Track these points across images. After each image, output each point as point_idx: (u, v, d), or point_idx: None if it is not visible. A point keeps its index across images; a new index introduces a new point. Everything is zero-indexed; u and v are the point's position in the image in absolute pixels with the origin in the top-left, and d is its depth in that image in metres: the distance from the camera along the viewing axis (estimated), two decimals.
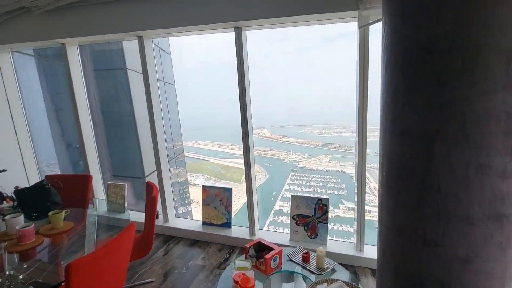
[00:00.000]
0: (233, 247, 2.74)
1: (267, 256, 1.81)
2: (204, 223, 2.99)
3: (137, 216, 3.18)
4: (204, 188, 3.00)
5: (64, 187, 2.27)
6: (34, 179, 3.78)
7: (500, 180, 1.05)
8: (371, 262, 2.39)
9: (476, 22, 0.99)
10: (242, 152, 2.47)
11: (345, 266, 1.87)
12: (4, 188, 3.35)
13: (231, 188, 2.93)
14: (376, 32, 2.11)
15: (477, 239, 1.09)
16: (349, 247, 2.57)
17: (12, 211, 1.89)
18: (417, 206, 1.26)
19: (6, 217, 1.56)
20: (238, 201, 6.46)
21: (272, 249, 2.00)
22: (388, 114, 1.41)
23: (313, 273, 1.79)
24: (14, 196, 1.89)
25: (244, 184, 2.75)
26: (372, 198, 5.20)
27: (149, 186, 2.02)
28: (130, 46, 4.88)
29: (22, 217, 1.59)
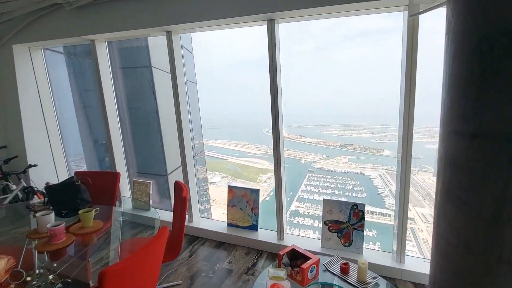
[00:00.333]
0: (260, 252, 2.62)
1: (305, 266, 1.67)
2: (229, 225, 2.89)
3: (161, 215, 3.13)
4: (230, 188, 2.90)
5: (92, 184, 2.24)
6: (63, 174, 3.86)
7: None
8: (413, 276, 2.18)
9: None
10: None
11: (383, 278, 1.69)
12: (34, 183, 3.43)
13: (259, 190, 2.81)
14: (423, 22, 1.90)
15: None
16: (386, 257, 2.37)
17: (43, 207, 1.87)
18: (493, 221, 1.07)
19: (37, 214, 1.52)
20: None
21: (306, 257, 1.85)
22: (454, 112, 1.22)
23: (355, 287, 1.62)
24: (45, 192, 1.87)
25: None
26: (393, 202, 5.09)
27: (178, 186, 1.94)
28: (154, 43, 4.88)
29: (52, 215, 1.55)
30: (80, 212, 1.59)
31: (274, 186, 2.63)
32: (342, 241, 2.46)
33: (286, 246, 2.56)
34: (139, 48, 4.87)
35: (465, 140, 1.15)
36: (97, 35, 2.89)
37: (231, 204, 2.89)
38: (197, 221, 3.07)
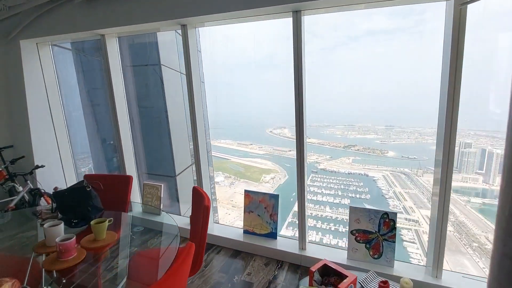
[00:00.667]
0: (281, 262, 2.43)
1: (342, 286, 1.48)
2: (246, 232, 2.71)
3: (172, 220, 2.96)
4: (247, 193, 2.72)
5: (103, 189, 2.08)
6: (70, 175, 3.71)
7: None
8: None
9: None
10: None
11: None
12: (41, 184, 3.29)
13: (278, 195, 2.63)
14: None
15: None
16: (419, 271, 2.17)
17: (51, 215, 1.71)
18: None
19: (45, 226, 1.35)
20: None
21: (339, 273, 1.67)
22: None
23: None
24: (52, 197, 1.71)
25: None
26: (397, 203, 4.95)
27: (198, 193, 1.76)
28: (163, 39, 4.73)
29: (62, 226, 1.38)
30: (92, 223, 1.42)
31: (296, 192, 2.44)
32: (371, 253, 2.26)
33: (309, 257, 2.41)
34: (148, 45, 4.72)
35: None
36: (107, 29, 2.73)
37: (247, 210, 2.71)
38: (211, 227, 2.90)
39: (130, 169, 3.28)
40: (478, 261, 3.31)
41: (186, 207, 4.82)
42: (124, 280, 1.46)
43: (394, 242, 2.22)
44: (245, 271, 2.32)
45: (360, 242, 2.30)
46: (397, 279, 1.79)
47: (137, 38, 4.29)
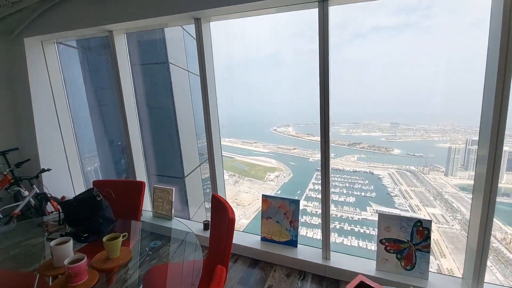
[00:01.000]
0: (303, 273, 2.25)
1: None
2: (264, 239, 2.53)
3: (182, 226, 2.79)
4: (265, 198, 2.53)
5: (115, 197, 1.91)
6: (78, 179, 3.55)
7: None
8: None
9: None
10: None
11: None
12: (48, 188, 3.14)
13: (299, 201, 2.44)
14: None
15: None
16: (456, 285, 1.97)
17: (58, 227, 1.54)
18: None
19: (52, 244, 1.18)
20: (257, 201, 6.02)
21: None
22: None
23: None
24: (59, 208, 1.53)
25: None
26: (403, 202, 4.86)
27: (219, 203, 1.58)
28: (171, 37, 4.55)
29: (71, 244, 1.21)
30: (105, 240, 1.24)
31: (321, 199, 2.25)
32: (403, 264, 2.07)
33: (334, 268, 2.21)
34: (156, 43, 4.54)
35: None
36: (116, 24, 2.55)
37: (265, 216, 2.53)
38: None
39: (140, 171, 3.12)
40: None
41: (195, 211, 4.65)
42: None
43: (429, 252, 2.02)
44: (266, 283, 2.13)
45: (390, 252, 2.10)
46: None
47: (144, 36, 4.12)
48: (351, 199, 5.60)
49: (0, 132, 3.13)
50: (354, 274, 2.12)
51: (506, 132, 1.64)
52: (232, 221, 1.37)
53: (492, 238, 1.80)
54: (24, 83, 3.03)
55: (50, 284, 1.17)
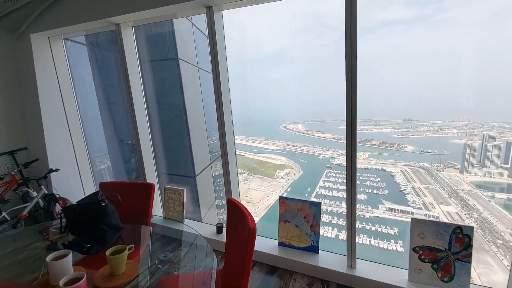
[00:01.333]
0: (326, 282, 2.04)
1: None
2: (281, 244, 2.33)
3: (196, 229, 2.63)
4: (283, 200, 2.33)
5: (120, 197, 1.75)
6: (87, 179, 3.44)
7: None
8: None
9: None
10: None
11: None
12: (56, 189, 3.03)
13: (320, 203, 2.23)
14: None
15: None
16: None
17: (59, 236, 1.39)
18: None
19: (48, 258, 1.02)
20: (267, 198, 5.97)
21: None
22: None
23: None
24: (61, 214, 1.38)
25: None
26: (416, 199, 4.75)
27: (235, 208, 1.39)
28: (180, 33, 4.38)
29: (69, 259, 1.04)
30: (108, 253, 1.07)
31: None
32: (439, 275, 1.83)
33: (361, 278, 1.99)
34: (165, 39, 4.38)
35: None
36: (123, 16, 2.38)
37: (283, 219, 2.33)
38: None
39: (149, 170, 2.96)
40: (503, 259, 3.10)
41: (206, 211, 4.49)
42: None
43: (470, 262, 1.78)
44: None
45: (425, 262, 1.87)
46: None
47: (154, 32, 3.97)
48: (363, 197, 5.44)
49: (9, 131, 3.04)
50: (384, 286, 1.90)
51: None
52: (253, 231, 1.18)
53: (509, 236, 1.56)
54: (31, 80, 2.91)
55: None
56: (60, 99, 3.14)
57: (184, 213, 2.81)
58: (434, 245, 1.85)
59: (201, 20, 4.78)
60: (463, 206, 4.31)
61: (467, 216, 4.17)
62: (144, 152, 2.86)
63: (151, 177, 2.97)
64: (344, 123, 1.96)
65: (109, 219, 1.40)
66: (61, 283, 0.89)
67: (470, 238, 1.78)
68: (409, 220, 1.93)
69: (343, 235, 4.38)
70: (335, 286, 1.99)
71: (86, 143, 3.44)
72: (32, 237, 1.74)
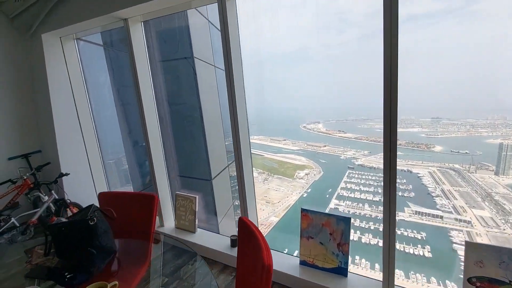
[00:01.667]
0: None
1: None
2: (303, 263, 2.03)
3: (207, 239, 2.39)
4: (305, 213, 2.03)
5: (119, 209, 1.55)
6: (101, 183, 3.33)
7: None
8: None
9: None
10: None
11: None
12: (68, 194, 2.93)
13: (350, 219, 1.90)
14: None
15: None
16: None
17: (44, 260, 1.19)
18: None
19: None
20: (287, 199, 5.81)
21: None
22: None
23: None
24: (46, 234, 1.18)
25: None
26: (445, 203, 4.49)
27: (248, 233, 1.12)
28: (195, 30, 4.19)
29: None
30: None
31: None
32: None
33: None
34: (179, 36, 4.20)
35: None
36: (130, 9, 2.19)
37: (305, 234, 2.02)
38: None
39: (160, 173, 2.76)
40: None
41: (224, 221, 4.26)
42: None
43: None
44: None
45: None
46: None
47: (167, 28, 3.80)
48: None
49: (23, 134, 2.98)
50: None
51: None
52: (268, 269, 0.90)
53: None
54: (43, 81, 2.83)
55: None
56: (73, 100, 3.05)
57: (196, 222, 2.59)
58: (496, 276, 1.47)
59: (217, 16, 4.58)
60: (498, 211, 4.10)
61: (503, 221, 3.96)
62: (154, 155, 2.67)
63: (162, 181, 2.78)
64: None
65: (99, 240, 1.18)
66: None
67: None
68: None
69: (365, 238, 4.23)
70: None
71: (100, 147, 3.33)
72: (17, 256, 1.48)
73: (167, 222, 2.77)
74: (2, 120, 2.82)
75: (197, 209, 2.58)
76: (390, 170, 1.59)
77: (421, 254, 3.95)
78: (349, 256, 1.89)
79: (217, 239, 2.46)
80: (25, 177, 2.74)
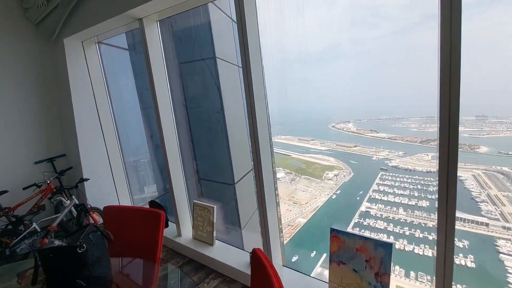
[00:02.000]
0: None
1: None
2: None
3: (227, 256, 2.18)
4: (335, 234, 1.72)
5: (124, 225, 1.39)
6: (123, 188, 3.29)
7: None
8: None
9: None
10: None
11: None
12: (88, 199, 2.90)
13: (392, 244, 1.56)
14: None
15: None
16: None
17: None
18: None
19: None
20: (315, 200, 5.68)
21: None
22: None
23: None
24: (36, 260, 1.04)
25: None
26: (491, 209, 4.21)
27: (262, 269, 0.87)
28: (217, 29, 4.02)
29: None
30: None
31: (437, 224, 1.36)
32: None
33: None
34: (200, 35, 4.06)
35: None
36: (145, 7, 2.05)
37: (336, 259, 1.72)
38: (279, 270, 2.02)
39: (177, 178, 2.61)
40: None
41: (248, 234, 4.02)
42: None
43: None
44: None
45: None
46: None
47: (186, 29, 3.68)
48: (424, 203, 5.02)
49: (49, 138, 3.02)
50: None
51: None
52: None
53: None
54: (66, 86, 2.83)
55: None
56: (94, 105, 3.03)
57: (214, 235, 2.39)
58: None
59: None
60: None
61: None
62: (170, 160, 2.52)
63: (179, 188, 2.62)
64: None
65: (90, 270, 1.01)
66: None
67: None
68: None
69: (399, 244, 4.07)
70: None
71: (121, 151, 3.29)
72: (8, 281, 1.33)
73: (185, 231, 2.61)
74: (29, 125, 2.87)
75: (215, 220, 2.39)
76: (448, 175, 1.24)
77: (463, 263, 3.73)
78: None
79: (237, 255, 2.24)
80: (48, 181, 2.75)
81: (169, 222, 2.79)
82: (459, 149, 1.24)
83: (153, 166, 4.08)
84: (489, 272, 3.45)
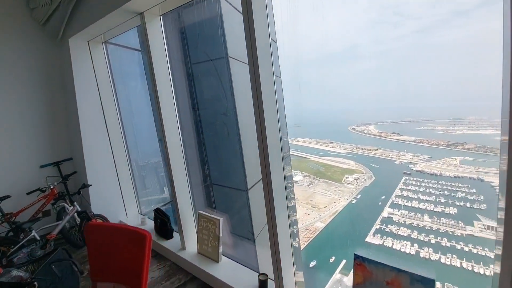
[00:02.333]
0: None
1: None
2: None
3: (235, 275, 1.92)
4: (359, 263, 1.41)
5: (108, 245, 1.17)
6: (129, 194, 3.14)
7: None
8: None
9: None
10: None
11: None
12: (93, 206, 2.76)
13: (434, 281, 1.23)
14: None
15: None
16: None
17: None
18: None
19: None
20: (334, 204, 5.57)
21: None
22: None
23: None
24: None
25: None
26: None
27: None
28: (230, 27, 3.79)
29: None
30: None
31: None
32: None
33: None
34: (212, 34, 3.86)
35: None
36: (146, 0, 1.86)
37: None
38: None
39: (181, 185, 2.39)
40: None
41: (263, 249, 3.72)
42: None
43: None
44: None
45: None
46: None
47: (198, 27, 3.48)
48: (452, 210, 4.92)
49: (53, 141, 2.93)
50: None
51: None
52: None
53: None
54: (71, 87, 2.72)
55: None
56: (100, 107, 2.90)
57: (221, 250, 2.15)
58: None
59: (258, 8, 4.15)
60: None
61: None
62: (173, 166, 2.31)
63: (183, 195, 2.41)
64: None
65: None
66: None
67: None
68: None
69: (424, 253, 4.00)
70: None
71: (128, 155, 3.15)
72: None
73: (189, 244, 2.39)
74: (35, 127, 2.79)
75: (221, 234, 2.15)
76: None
77: (493, 274, 3.38)
78: None
79: (244, 275, 1.98)
80: (51, 186, 2.65)
81: (174, 233, 2.59)
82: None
83: (165, 169, 3.91)
84: None
